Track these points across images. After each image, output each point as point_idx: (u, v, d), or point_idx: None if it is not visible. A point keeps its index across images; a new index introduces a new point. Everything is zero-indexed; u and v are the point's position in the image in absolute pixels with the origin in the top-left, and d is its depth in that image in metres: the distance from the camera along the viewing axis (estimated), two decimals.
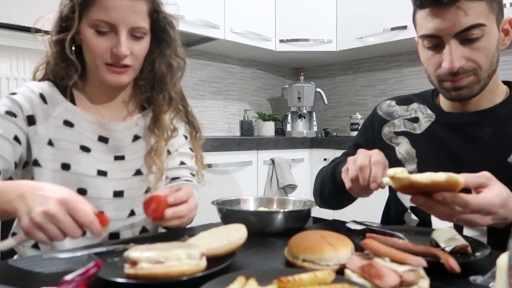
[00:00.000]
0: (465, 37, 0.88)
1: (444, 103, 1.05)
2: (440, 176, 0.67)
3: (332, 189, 1.09)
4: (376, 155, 0.85)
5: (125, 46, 0.94)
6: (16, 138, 0.93)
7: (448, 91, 0.94)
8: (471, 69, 0.90)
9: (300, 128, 3.13)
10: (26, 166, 0.98)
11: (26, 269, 0.68)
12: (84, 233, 0.97)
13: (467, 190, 0.72)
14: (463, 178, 0.68)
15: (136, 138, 1.07)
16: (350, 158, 0.88)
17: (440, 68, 0.92)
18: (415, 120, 1.08)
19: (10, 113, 0.93)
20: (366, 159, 0.83)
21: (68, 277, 0.54)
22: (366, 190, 0.85)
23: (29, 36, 1.80)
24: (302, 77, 3.13)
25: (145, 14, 0.97)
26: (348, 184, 0.88)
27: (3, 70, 1.83)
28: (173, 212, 0.81)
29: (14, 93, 0.97)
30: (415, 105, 1.10)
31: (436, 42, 0.91)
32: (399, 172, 0.71)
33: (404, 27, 2.45)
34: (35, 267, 0.69)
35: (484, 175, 0.73)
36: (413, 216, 1.04)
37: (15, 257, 1.03)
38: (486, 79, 0.92)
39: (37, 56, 1.85)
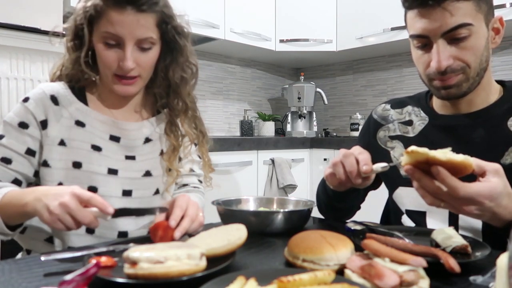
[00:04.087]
0: (453, 36, 0.89)
1: (437, 105, 1.05)
2: (457, 157, 0.68)
3: (325, 199, 1.11)
4: (358, 147, 0.89)
5: (130, 60, 0.95)
6: (29, 151, 0.97)
7: (437, 90, 0.96)
8: (459, 68, 0.91)
9: (300, 128, 3.13)
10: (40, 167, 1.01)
11: (26, 269, 0.68)
12: (92, 232, 0.99)
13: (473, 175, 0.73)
14: (474, 163, 0.70)
15: (147, 140, 1.08)
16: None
17: (429, 67, 0.93)
18: (409, 123, 1.08)
19: (23, 125, 0.97)
20: (349, 150, 0.87)
21: (68, 277, 0.54)
22: (351, 177, 0.85)
23: (29, 36, 1.80)
24: (302, 77, 3.13)
25: (152, 25, 0.98)
26: (327, 172, 0.90)
27: (3, 70, 1.83)
28: (180, 232, 0.81)
29: (27, 99, 1.00)
30: (409, 108, 1.10)
31: (425, 42, 0.93)
32: (418, 148, 0.71)
33: (404, 27, 2.43)
34: (35, 267, 0.69)
35: (493, 166, 0.72)
36: (409, 220, 1.04)
37: (19, 255, 1.04)
38: (476, 77, 0.93)
39: (37, 56, 1.86)
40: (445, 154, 0.68)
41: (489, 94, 0.98)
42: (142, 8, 0.93)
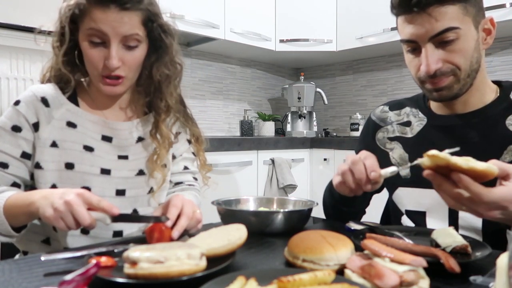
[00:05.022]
0: (440, 40, 0.90)
1: (434, 105, 1.06)
2: (480, 165, 0.67)
3: (332, 204, 1.11)
4: (365, 152, 0.88)
5: (115, 58, 0.94)
6: (24, 154, 0.97)
7: (429, 92, 0.97)
8: (449, 70, 0.92)
9: (300, 128, 3.13)
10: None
11: (26, 269, 0.68)
12: (87, 232, 0.99)
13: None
14: (497, 169, 0.69)
15: (140, 139, 1.08)
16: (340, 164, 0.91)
17: (419, 70, 0.94)
18: (407, 124, 1.09)
19: (16, 128, 0.97)
20: (356, 156, 0.86)
21: (68, 277, 0.54)
22: (361, 184, 0.84)
23: (29, 36, 1.80)
24: (302, 77, 3.13)
25: (137, 23, 0.96)
26: (336, 180, 0.88)
27: (3, 70, 1.83)
28: (178, 231, 0.81)
29: (18, 102, 0.99)
30: (407, 109, 1.11)
31: (414, 46, 0.94)
32: (440, 153, 0.70)
33: None
34: (35, 267, 0.69)
35: None
36: (409, 221, 1.04)
37: (17, 256, 1.04)
38: (467, 79, 0.93)
39: (37, 56, 1.87)
40: (467, 162, 0.67)
41: (484, 94, 0.98)
42: (126, 6, 0.93)
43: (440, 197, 0.73)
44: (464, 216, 0.95)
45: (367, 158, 0.85)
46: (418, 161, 0.73)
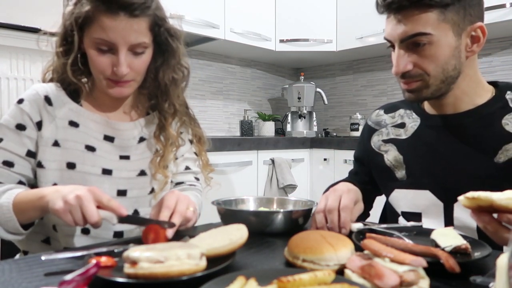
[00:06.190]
0: (411, 44, 0.91)
1: (427, 106, 1.06)
2: None
3: None
4: (346, 197, 0.89)
5: (124, 66, 0.94)
6: (29, 153, 0.97)
7: (403, 92, 0.99)
8: (417, 74, 0.93)
9: (300, 128, 3.13)
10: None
11: (26, 269, 0.68)
12: (87, 233, 0.99)
13: None
14: None
15: (142, 139, 1.08)
16: (323, 196, 0.93)
17: None
18: (402, 125, 1.09)
19: (20, 127, 0.97)
20: (336, 202, 0.88)
21: (68, 277, 0.54)
22: (333, 229, 0.88)
23: (29, 36, 1.80)
24: (302, 77, 3.13)
25: (145, 30, 0.96)
26: (314, 224, 0.90)
27: (3, 70, 1.83)
28: (172, 229, 0.81)
29: (21, 100, 0.99)
30: (401, 111, 1.12)
31: (392, 45, 0.97)
32: (480, 194, 0.65)
33: None
34: (35, 267, 0.69)
35: None
36: (405, 222, 1.05)
37: (17, 256, 1.04)
38: (440, 84, 0.93)
39: (37, 56, 1.87)
40: (510, 200, 0.62)
41: (475, 96, 0.97)
42: (135, 13, 0.92)
43: (488, 235, 0.69)
44: (459, 217, 0.95)
45: (343, 210, 0.87)
46: (459, 200, 0.69)
